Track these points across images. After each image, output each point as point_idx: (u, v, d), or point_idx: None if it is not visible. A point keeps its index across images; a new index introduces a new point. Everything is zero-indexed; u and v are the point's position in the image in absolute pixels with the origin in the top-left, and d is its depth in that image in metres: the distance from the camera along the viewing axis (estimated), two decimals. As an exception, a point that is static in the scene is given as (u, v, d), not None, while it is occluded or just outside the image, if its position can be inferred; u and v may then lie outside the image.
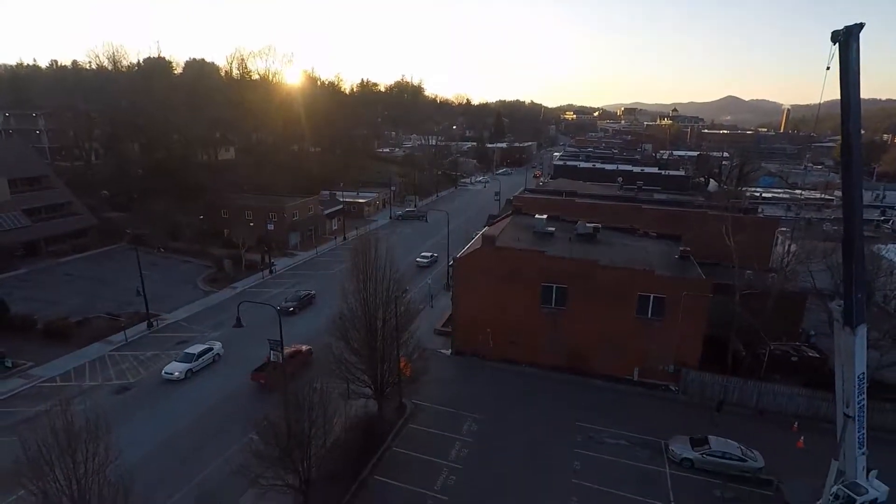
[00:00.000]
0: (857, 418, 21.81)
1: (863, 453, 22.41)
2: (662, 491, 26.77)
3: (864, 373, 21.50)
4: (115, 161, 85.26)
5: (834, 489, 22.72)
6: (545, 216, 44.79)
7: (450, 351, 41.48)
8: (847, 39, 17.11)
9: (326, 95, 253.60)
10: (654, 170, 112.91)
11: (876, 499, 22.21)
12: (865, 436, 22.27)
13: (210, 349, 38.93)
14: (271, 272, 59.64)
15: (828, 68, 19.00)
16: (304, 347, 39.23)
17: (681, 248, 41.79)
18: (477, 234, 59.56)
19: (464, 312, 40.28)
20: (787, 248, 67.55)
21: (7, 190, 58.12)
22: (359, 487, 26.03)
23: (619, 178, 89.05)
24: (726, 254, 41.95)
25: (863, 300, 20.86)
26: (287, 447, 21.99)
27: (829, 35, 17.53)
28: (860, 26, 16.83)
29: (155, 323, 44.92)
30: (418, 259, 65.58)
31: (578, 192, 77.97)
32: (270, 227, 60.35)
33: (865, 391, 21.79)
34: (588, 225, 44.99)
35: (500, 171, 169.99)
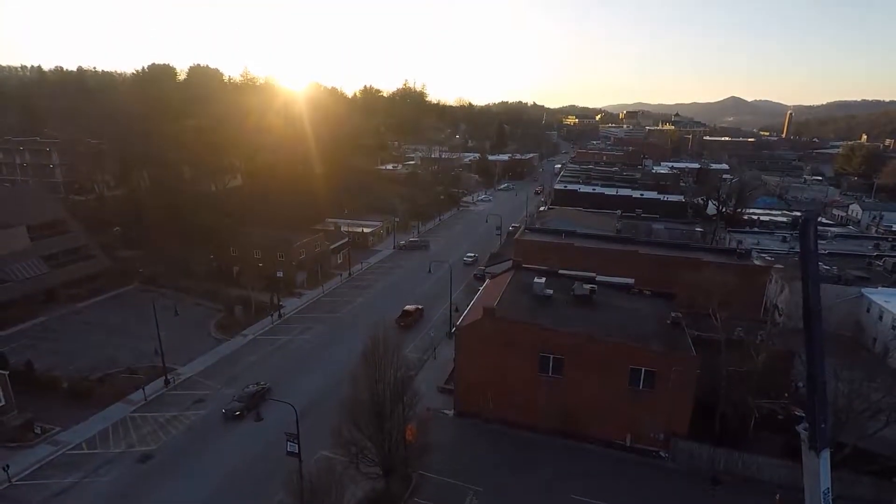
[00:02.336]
0: (824, 526, 23.89)
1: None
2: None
3: (828, 488, 23.56)
4: (126, 194, 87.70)
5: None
6: (543, 279, 46.79)
7: (452, 412, 43.66)
8: (805, 228, 19.11)
9: (329, 100, 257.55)
10: (654, 194, 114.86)
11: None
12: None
13: None
14: (280, 316, 61.86)
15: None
16: (419, 307, 62.20)
17: (672, 314, 43.75)
18: (482, 277, 62.31)
19: (466, 377, 42.52)
20: (778, 294, 69.64)
21: (26, 237, 60.44)
22: (368, 572, 28.26)
23: (619, 211, 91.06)
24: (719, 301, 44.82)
25: (826, 429, 22.89)
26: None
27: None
28: (816, 214, 18.71)
29: (171, 379, 47.18)
30: (464, 258, 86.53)
31: (578, 229, 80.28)
32: (280, 274, 62.55)
33: (831, 501, 23.86)
34: (585, 286, 47.03)
35: (502, 185, 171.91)
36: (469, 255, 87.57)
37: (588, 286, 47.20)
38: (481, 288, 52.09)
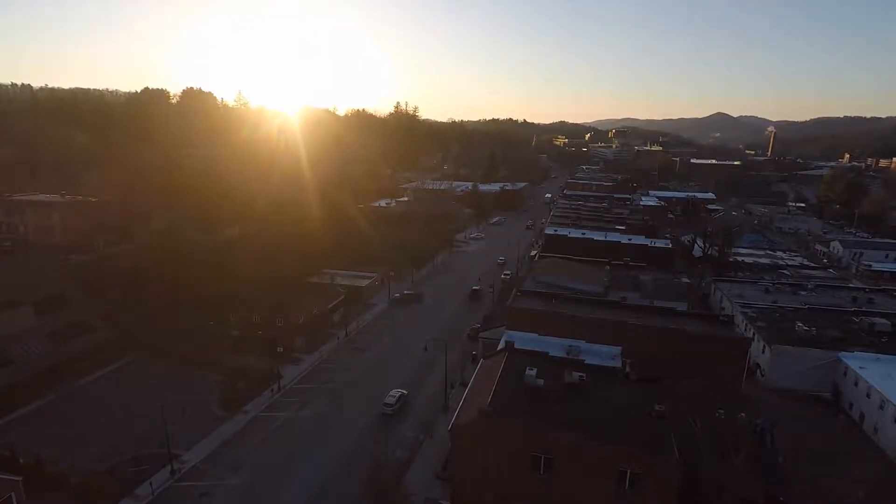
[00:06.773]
0: None
1: None
2: None
3: None
4: (128, 250, 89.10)
5: None
6: (535, 370, 49.15)
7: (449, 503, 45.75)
8: (762, 434, 21.62)
9: (323, 119, 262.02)
10: (642, 238, 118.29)
11: None
12: None
13: None
14: (280, 388, 63.58)
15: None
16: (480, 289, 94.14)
17: (657, 407, 46.14)
18: (475, 337, 64.67)
19: (463, 472, 44.69)
20: (760, 353, 72.50)
21: (32, 315, 61.85)
22: None
23: (608, 266, 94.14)
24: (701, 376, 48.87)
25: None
26: None
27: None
28: (773, 424, 21.27)
29: (177, 468, 48.76)
30: (503, 276, 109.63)
31: (568, 284, 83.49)
32: (280, 349, 64.44)
33: None
34: (574, 374, 49.49)
35: (494, 220, 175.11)
36: (506, 272, 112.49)
37: (577, 374, 49.60)
38: (475, 372, 54.37)
